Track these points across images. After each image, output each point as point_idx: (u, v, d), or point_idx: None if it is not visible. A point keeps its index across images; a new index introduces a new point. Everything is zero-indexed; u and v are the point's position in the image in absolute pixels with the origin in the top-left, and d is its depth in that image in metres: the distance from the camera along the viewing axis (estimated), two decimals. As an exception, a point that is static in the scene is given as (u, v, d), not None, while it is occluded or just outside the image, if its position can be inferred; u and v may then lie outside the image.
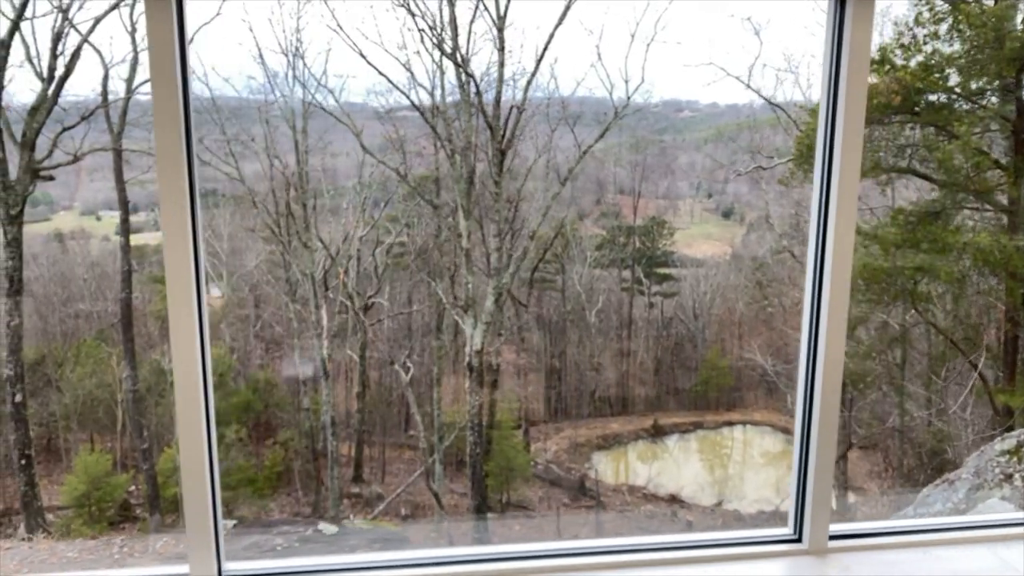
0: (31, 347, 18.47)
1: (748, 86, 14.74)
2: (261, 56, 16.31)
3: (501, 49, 14.82)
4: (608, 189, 26.13)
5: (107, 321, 19.14)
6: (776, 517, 18.96)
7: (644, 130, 25.84)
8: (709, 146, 27.97)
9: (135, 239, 25.04)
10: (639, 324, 25.28)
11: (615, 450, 22.69)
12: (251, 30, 16.46)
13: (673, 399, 24.46)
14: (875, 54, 11.00)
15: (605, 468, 22.13)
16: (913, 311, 12.22)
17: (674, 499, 20.72)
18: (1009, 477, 6.69)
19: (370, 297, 18.81)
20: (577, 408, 23.51)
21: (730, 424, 23.65)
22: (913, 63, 10.74)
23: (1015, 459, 6.89)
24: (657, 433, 23.30)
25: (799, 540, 3.10)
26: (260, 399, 19.34)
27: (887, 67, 10.76)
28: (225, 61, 22.47)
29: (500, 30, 14.80)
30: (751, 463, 22.86)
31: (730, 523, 19.32)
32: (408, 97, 15.27)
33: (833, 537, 3.09)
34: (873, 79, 10.96)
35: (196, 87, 16.35)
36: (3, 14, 12.59)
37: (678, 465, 22.86)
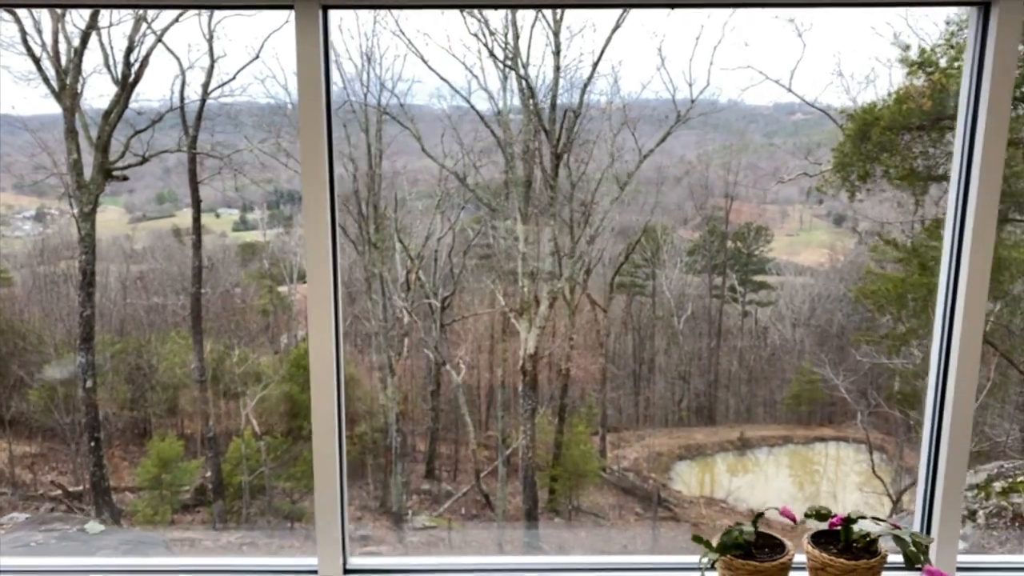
0: (132, 337, 19.81)
1: (789, 89, 14.07)
2: (337, 61, 16.85)
3: (556, 53, 14.81)
4: (709, 193, 25.52)
5: (211, 312, 20.18)
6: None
7: (753, 132, 25.22)
8: (821, 149, 26.93)
9: (247, 236, 26.66)
10: (733, 333, 24.57)
11: (697, 461, 22.19)
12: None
13: (763, 411, 23.66)
14: (916, 56, 10.31)
15: (686, 479, 21.67)
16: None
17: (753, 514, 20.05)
18: (972, 514, 6.10)
19: (445, 298, 19.19)
20: (661, 416, 23.10)
21: (822, 440, 22.65)
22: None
23: (983, 495, 6.29)
24: (743, 445, 22.62)
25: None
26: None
27: (930, 69, 10.01)
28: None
29: (555, 34, 14.79)
30: (841, 481, 21.79)
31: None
32: (468, 101, 15.49)
33: (351, 571, 3.06)
34: (919, 82, 10.27)
35: (277, 92, 17.13)
36: (75, 25, 13.64)
37: (764, 479, 22.12)
